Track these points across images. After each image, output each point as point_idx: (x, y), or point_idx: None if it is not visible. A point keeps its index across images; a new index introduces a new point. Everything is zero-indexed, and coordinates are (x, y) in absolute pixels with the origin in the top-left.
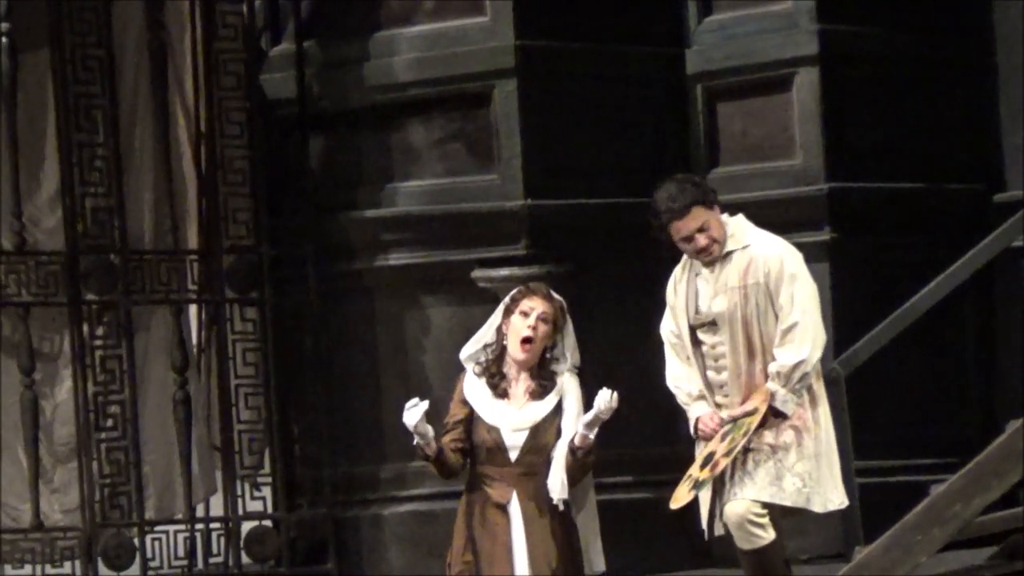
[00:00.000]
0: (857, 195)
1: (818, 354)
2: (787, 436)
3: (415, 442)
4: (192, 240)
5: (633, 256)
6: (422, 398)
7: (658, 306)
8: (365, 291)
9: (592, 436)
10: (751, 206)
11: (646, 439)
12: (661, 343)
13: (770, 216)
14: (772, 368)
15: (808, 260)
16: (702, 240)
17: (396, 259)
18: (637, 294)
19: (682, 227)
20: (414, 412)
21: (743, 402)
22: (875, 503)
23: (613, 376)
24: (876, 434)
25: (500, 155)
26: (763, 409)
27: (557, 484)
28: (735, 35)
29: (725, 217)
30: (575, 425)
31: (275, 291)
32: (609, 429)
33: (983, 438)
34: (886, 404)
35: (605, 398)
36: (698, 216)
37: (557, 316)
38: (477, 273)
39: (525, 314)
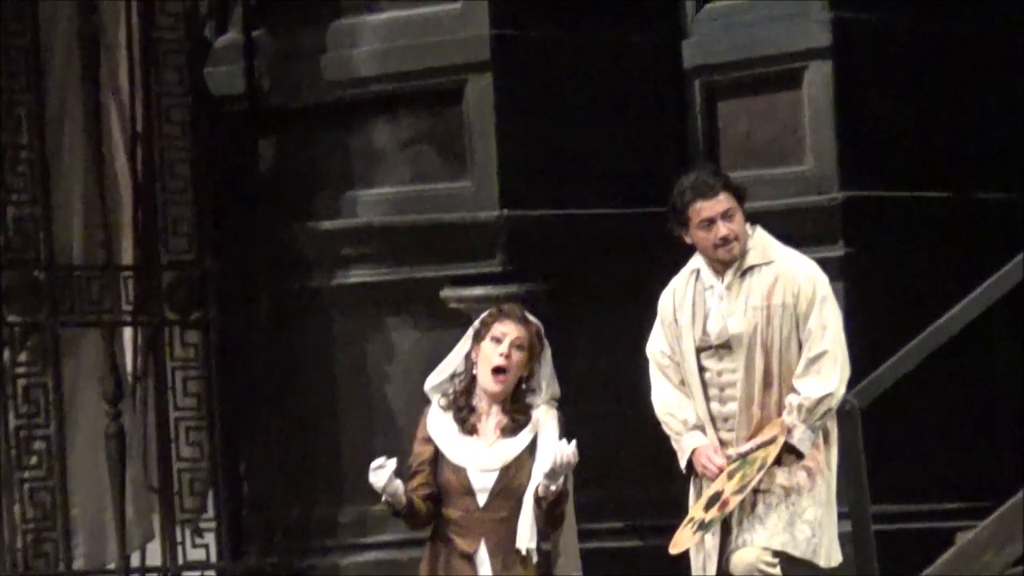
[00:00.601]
0: (875, 205)
1: (843, 389)
2: (800, 478)
3: (383, 499)
4: (127, 254)
5: (623, 274)
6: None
7: (650, 327)
8: (322, 312)
9: (556, 487)
10: (756, 217)
11: (636, 480)
12: None
13: (777, 228)
14: (792, 400)
15: None
16: (723, 228)
17: (357, 276)
18: (627, 316)
19: (706, 208)
20: (381, 473)
21: (751, 438)
22: (894, 553)
23: (599, 408)
24: (895, 475)
25: (473, 159)
26: (781, 440)
27: (525, 532)
28: (738, 24)
29: (748, 227)
30: (553, 462)
31: (221, 311)
32: (594, 469)
33: (1016, 479)
34: (907, 441)
35: (562, 451)
36: (727, 201)
37: (533, 342)
38: (448, 292)
39: (497, 340)
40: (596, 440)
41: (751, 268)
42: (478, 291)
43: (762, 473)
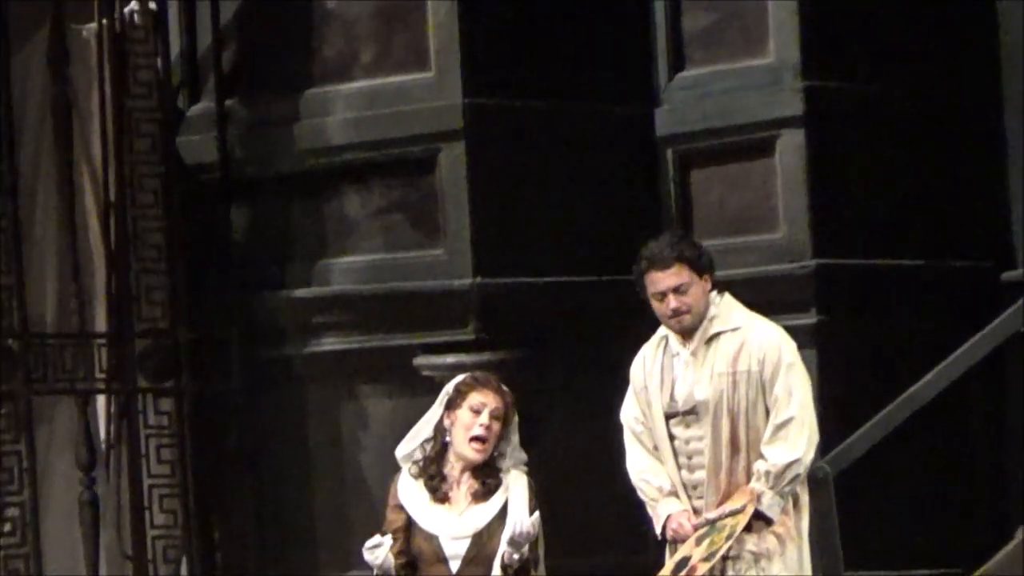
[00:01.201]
0: (848, 273)
1: (812, 455)
2: (770, 543)
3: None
4: (100, 322)
5: (596, 341)
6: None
7: (624, 396)
8: (295, 380)
9: (519, 555)
10: (729, 284)
11: (610, 547)
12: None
13: (750, 296)
14: (760, 467)
15: None
16: (673, 301)
17: (330, 344)
18: (600, 384)
19: (658, 280)
20: (379, 552)
21: (720, 504)
22: None
23: (574, 475)
24: (869, 542)
25: (446, 228)
26: (750, 510)
27: None
28: (711, 93)
29: (714, 295)
30: (518, 528)
31: (194, 379)
32: (569, 535)
33: (992, 545)
34: (880, 508)
35: (521, 521)
36: (680, 274)
37: (508, 411)
38: (421, 360)
39: (476, 411)
40: (570, 507)
41: (717, 335)
42: (451, 359)
43: (730, 542)
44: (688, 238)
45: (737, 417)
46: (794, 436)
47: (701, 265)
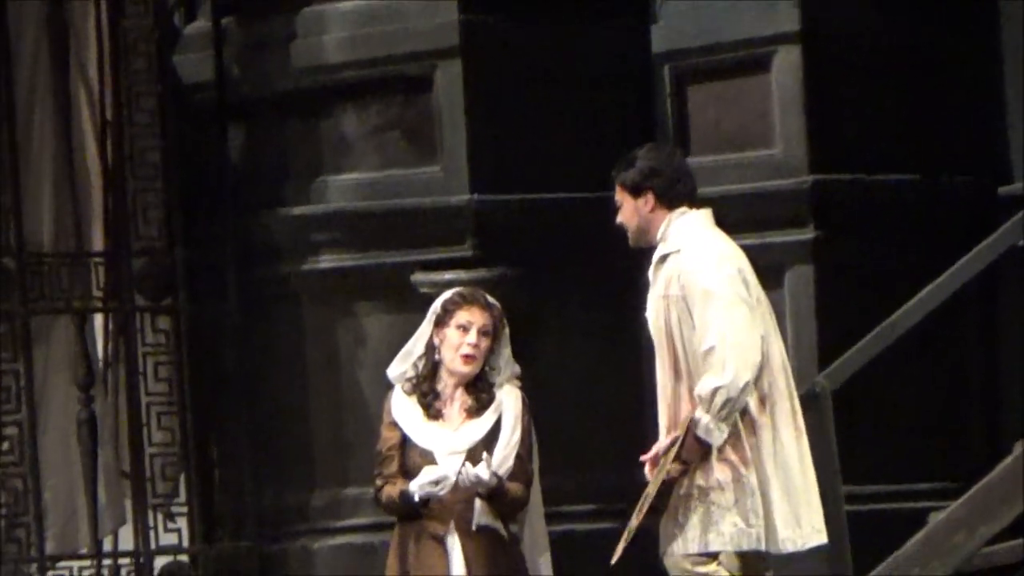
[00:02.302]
0: (844, 189)
1: (746, 376)
2: (721, 474)
3: (422, 495)
4: (97, 242)
5: (592, 258)
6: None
7: (622, 314)
8: (292, 298)
9: (482, 489)
10: (726, 201)
11: (607, 464)
12: (626, 356)
13: (747, 212)
14: (696, 393)
15: (790, 261)
16: (618, 217)
17: (327, 262)
18: (598, 301)
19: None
20: (447, 484)
21: (671, 427)
22: (866, 534)
23: (570, 393)
24: (867, 457)
25: (443, 145)
26: (681, 437)
27: (477, 510)
28: (707, 9)
29: (673, 215)
30: (505, 449)
31: (191, 298)
32: (564, 453)
33: (988, 460)
34: (878, 422)
35: (467, 471)
36: (620, 193)
37: (497, 326)
38: (418, 277)
39: (464, 328)
40: (564, 424)
41: (664, 257)
42: (448, 276)
43: (660, 475)
44: (635, 155)
45: (675, 342)
46: (716, 364)
47: (631, 185)
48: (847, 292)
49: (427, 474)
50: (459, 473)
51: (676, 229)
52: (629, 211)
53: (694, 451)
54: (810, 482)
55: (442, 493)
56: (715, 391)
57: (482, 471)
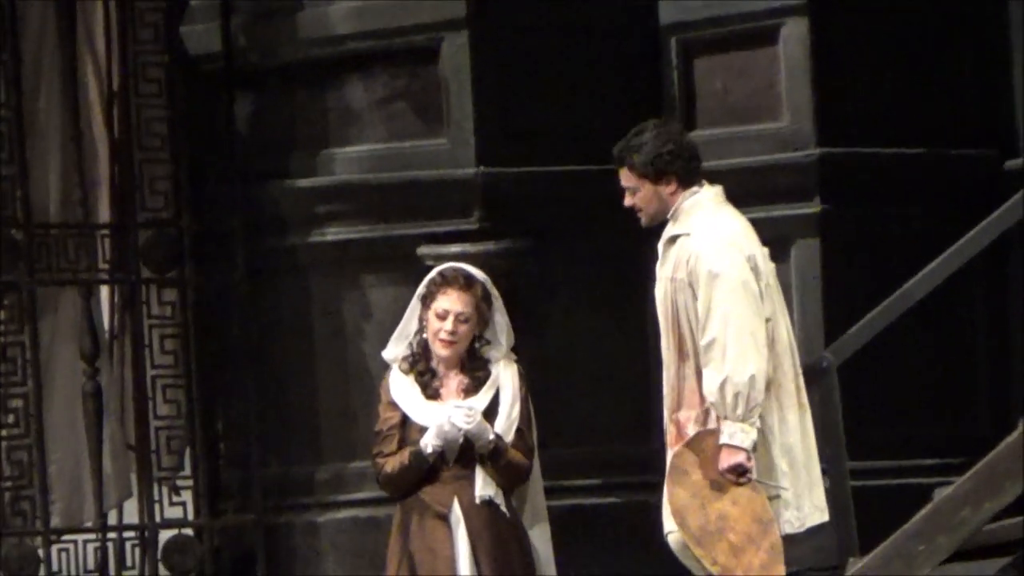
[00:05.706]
0: (851, 161)
1: (750, 364)
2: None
3: (429, 450)
4: (104, 213)
5: (599, 230)
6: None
7: (629, 286)
8: (299, 270)
9: (479, 446)
10: (732, 174)
11: (614, 437)
12: (633, 329)
13: (753, 185)
14: (706, 402)
15: (797, 234)
16: (628, 199)
17: (334, 234)
18: (603, 273)
19: (620, 177)
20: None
21: (674, 408)
22: (872, 509)
23: (577, 365)
24: (873, 431)
25: (450, 117)
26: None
27: (480, 483)
28: None
29: (686, 193)
30: (504, 423)
31: (197, 270)
32: (571, 426)
33: (994, 435)
34: (884, 397)
35: (456, 414)
36: (627, 177)
37: (479, 307)
38: (424, 249)
39: (441, 317)
40: (571, 397)
41: (673, 238)
42: (455, 248)
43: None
44: (644, 137)
45: (680, 324)
46: (717, 359)
47: (643, 170)
48: (853, 265)
49: (434, 429)
50: (466, 416)
51: (687, 208)
52: (647, 195)
53: (733, 463)
54: (812, 458)
55: (453, 435)
56: (722, 387)
57: (451, 423)
